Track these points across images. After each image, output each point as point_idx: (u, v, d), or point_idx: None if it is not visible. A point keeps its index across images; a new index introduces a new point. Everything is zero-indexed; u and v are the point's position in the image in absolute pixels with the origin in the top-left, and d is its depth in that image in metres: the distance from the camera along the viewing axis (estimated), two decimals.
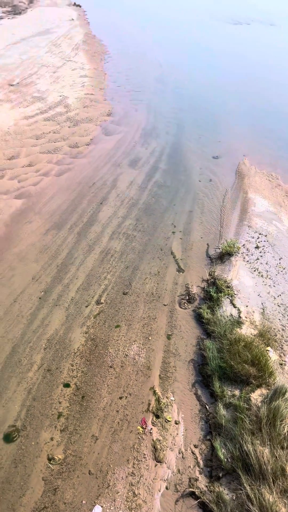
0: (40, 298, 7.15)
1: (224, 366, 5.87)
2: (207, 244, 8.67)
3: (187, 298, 7.42)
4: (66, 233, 8.81)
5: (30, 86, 16.57)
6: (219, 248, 8.47)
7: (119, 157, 11.93)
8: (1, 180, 10.42)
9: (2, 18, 28.16)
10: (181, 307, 7.16)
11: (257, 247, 8.49)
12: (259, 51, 23.19)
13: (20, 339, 6.38)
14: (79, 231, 8.86)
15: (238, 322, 6.62)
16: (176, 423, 5.37)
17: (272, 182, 10.93)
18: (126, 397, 5.58)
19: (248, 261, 8.12)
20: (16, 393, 5.58)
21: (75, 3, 34.48)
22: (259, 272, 7.84)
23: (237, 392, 5.58)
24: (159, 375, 5.91)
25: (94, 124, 13.73)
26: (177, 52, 22.52)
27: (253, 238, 8.77)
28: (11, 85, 16.44)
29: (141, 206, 9.72)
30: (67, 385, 5.70)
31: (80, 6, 33.23)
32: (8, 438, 5.08)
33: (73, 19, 28.20)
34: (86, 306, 7.02)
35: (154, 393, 5.66)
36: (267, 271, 7.88)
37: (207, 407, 5.59)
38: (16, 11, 30.54)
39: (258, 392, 5.53)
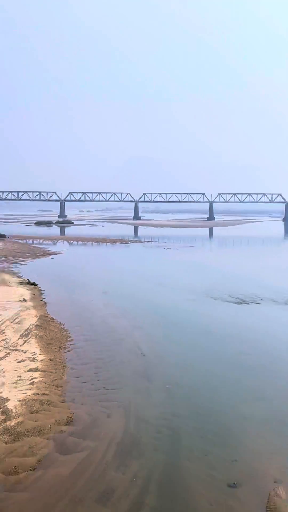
0: None
1: None
2: None
3: None
4: None
5: None
6: None
7: (81, 488, 12.56)
8: None
9: None
10: None
11: None
12: (277, 333, 28.12)
13: None
14: None
15: None
16: None
17: None
18: None
19: None
20: None
21: (29, 281, 43.53)
22: None
23: None
24: None
25: (45, 438, 15.09)
26: (165, 338, 27.11)
27: None
28: None
29: None
30: None
31: (36, 285, 42.10)
32: None
33: (25, 300, 35.10)
34: None
35: None
36: None
37: None
38: None
39: None
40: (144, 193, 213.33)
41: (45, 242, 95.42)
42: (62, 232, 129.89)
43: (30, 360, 22.27)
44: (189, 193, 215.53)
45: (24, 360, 22.22)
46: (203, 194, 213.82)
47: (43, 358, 22.70)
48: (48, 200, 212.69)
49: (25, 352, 23.39)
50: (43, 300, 36.43)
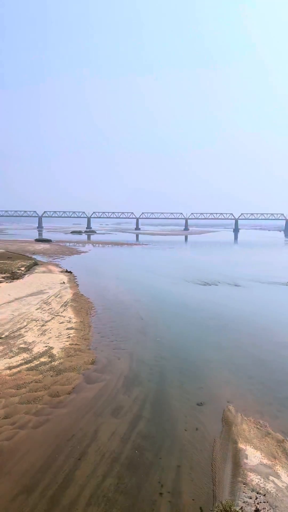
0: None
1: None
2: (200, 509, 8.13)
3: None
4: (37, 498, 8.28)
5: (17, 338, 18.88)
6: None
7: (100, 406, 12.56)
8: None
9: (0, 282, 34.53)
10: None
11: (257, 511, 7.98)
12: (230, 304, 28.09)
13: None
14: (52, 494, 8.38)
15: None
16: None
17: (261, 430, 11.29)
18: None
19: None
20: None
21: (67, 270, 43.38)
22: None
23: None
24: None
25: (77, 373, 15.03)
26: (156, 307, 27.04)
27: (250, 498, 8.39)
28: (0, 338, 18.66)
29: (124, 461, 9.60)
30: None
31: (71, 272, 41.83)
32: None
33: (64, 282, 34.91)
34: None
35: None
36: None
37: None
38: (14, 276, 37.88)
39: None
40: (142, 213, 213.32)
41: (77, 244, 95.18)
42: (89, 238, 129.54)
43: (67, 322, 22.22)
44: (172, 212, 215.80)
45: (64, 322, 22.17)
46: (181, 213, 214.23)
47: (76, 320, 22.66)
48: (79, 217, 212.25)
49: (64, 317, 23.34)
50: (76, 282, 36.33)
